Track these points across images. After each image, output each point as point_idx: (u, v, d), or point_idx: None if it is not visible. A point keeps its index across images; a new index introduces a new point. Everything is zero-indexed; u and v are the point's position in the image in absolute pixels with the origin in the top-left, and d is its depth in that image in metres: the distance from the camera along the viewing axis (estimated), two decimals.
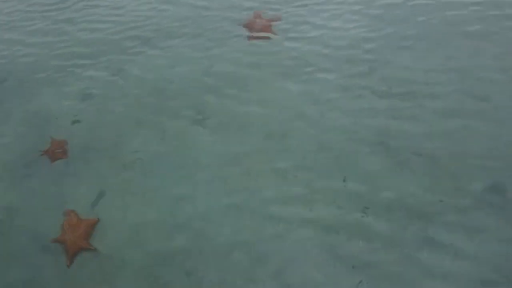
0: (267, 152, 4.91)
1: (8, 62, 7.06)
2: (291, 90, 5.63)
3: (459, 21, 6.26)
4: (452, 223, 3.96)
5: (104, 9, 7.93)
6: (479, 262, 3.66)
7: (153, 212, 4.51)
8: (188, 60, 6.44)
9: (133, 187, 4.78)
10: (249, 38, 6.60)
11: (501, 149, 4.52)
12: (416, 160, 4.53)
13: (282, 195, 4.44)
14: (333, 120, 5.13)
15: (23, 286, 4.07)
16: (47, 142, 5.44)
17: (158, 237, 4.28)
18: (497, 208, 4.01)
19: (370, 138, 4.85)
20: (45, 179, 5.03)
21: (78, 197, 4.76)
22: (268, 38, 6.52)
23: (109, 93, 6.16)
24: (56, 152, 5.29)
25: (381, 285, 3.64)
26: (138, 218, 4.47)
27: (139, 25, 7.31)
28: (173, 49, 6.76)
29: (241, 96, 5.65)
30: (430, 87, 5.33)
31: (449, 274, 3.62)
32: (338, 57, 6.02)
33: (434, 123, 4.88)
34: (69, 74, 6.58)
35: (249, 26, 6.74)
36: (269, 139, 5.03)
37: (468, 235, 3.86)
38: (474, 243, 3.79)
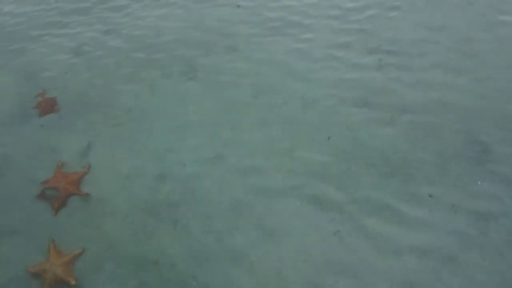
0: (255, 107, 4.99)
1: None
2: (280, 47, 5.67)
3: None
4: (431, 177, 4.08)
5: None
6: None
7: (142, 162, 4.62)
8: (178, 16, 6.43)
9: (123, 139, 4.89)
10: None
11: (483, 104, 4.61)
12: (400, 117, 4.62)
13: (267, 148, 4.55)
14: (320, 77, 5.20)
15: (14, 230, 4.18)
16: (38, 94, 5.51)
17: (146, 187, 4.39)
18: (476, 160, 4.13)
19: (355, 95, 4.93)
20: (36, 129, 5.12)
21: (68, 147, 4.87)
22: None
23: (100, 48, 6.20)
24: (46, 107, 5.36)
25: (358, 233, 3.78)
26: (127, 168, 4.58)
27: None
28: (164, 4, 6.73)
29: (231, 52, 5.68)
30: (418, 46, 5.37)
31: (428, 223, 3.75)
32: (327, 16, 6.03)
33: (420, 79, 4.96)
34: (61, 30, 6.58)
35: None
36: (257, 95, 5.11)
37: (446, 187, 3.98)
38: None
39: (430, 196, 3.91)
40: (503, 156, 4.13)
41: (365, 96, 4.92)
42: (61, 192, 4.37)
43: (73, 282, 3.70)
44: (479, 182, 3.94)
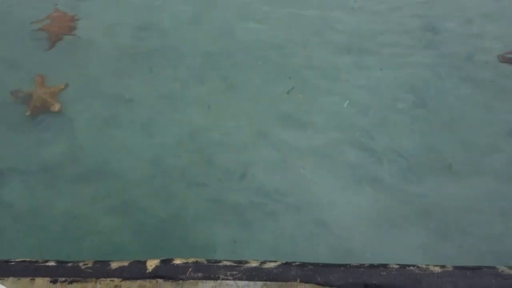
0: None
1: None
2: None
3: None
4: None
5: None
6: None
7: (127, 15, 4.96)
8: None
9: None
10: None
11: None
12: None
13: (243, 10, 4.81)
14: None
15: (7, 65, 4.66)
16: None
17: (129, 34, 4.77)
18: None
19: None
20: None
21: None
22: None
23: None
24: None
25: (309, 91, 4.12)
26: (114, 19, 4.93)
27: None
28: None
29: None
30: None
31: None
32: None
33: None
34: None
35: None
36: None
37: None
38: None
39: None
40: None
41: None
42: (51, 33, 4.80)
43: (57, 108, 4.22)
44: None
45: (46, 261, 2.29)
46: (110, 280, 2.17)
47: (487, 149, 3.59)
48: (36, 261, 2.29)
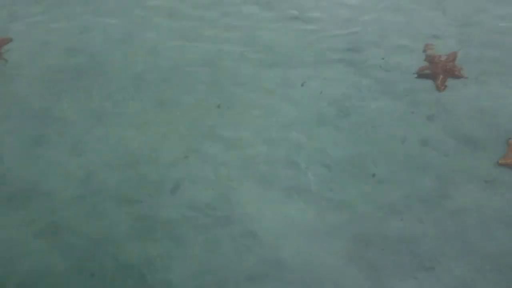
0: None
1: None
2: None
3: None
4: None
5: None
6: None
7: (57, 36, 4.94)
8: None
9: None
10: None
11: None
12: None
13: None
14: None
15: None
16: None
17: (59, 56, 4.75)
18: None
19: None
20: None
21: None
22: None
23: None
24: None
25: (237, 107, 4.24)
26: (44, 41, 4.91)
27: None
28: None
29: None
30: None
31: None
32: None
33: None
34: None
35: None
36: None
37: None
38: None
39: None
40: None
41: None
42: None
43: None
44: None
45: None
46: None
47: (403, 158, 3.83)
48: None
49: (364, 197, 3.61)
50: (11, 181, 3.76)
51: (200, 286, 3.14)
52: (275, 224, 3.48)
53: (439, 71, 4.26)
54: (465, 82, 4.29)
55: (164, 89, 4.42)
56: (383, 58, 4.57)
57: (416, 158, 3.82)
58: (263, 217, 3.51)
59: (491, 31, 4.83)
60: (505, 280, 3.09)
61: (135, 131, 4.08)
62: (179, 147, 3.95)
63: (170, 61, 4.67)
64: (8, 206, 3.60)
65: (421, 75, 4.34)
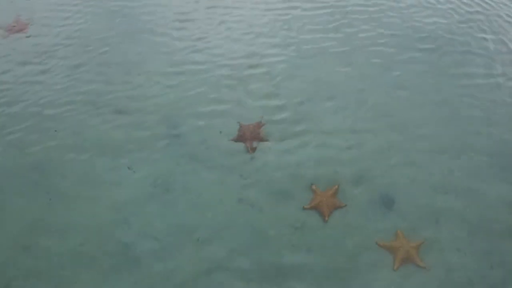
0: None
1: None
2: None
3: None
4: None
5: None
6: None
7: None
8: None
9: None
10: None
11: None
12: None
13: None
14: None
15: None
16: None
17: None
18: None
19: None
20: None
21: None
22: None
23: None
24: None
25: None
26: None
27: None
28: None
29: None
30: None
31: None
32: None
33: None
34: None
35: None
36: None
37: None
38: None
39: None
40: None
41: None
42: None
43: None
44: None
45: None
46: None
47: (223, 218, 4.27)
48: None
49: (190, 259, 3.94)
50: None
51: None
52: None
53: (248, 137, 4.88)
54: (270, 145, 4.94)
55: None
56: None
57: (234, 216, 4.28)
58: None
59: None
60: None
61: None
62: (12, 245, 4.09)
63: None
64: None
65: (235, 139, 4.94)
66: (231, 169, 4.69)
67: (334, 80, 5.77)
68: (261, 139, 4.93)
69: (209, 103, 5.47)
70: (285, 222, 4.24)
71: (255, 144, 4.88)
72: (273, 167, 4.73)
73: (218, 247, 4.05)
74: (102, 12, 7.17)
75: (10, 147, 4.96)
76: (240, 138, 4.94)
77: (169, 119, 5.24)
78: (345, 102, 5.44)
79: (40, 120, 5.27)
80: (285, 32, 6.63)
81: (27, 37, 6.66)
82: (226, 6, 7.21)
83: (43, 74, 5.92)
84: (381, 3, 7.22)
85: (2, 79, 5.87)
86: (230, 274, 3.85)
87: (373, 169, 4.66)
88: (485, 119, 5.19)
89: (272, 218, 4.27)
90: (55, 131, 5.12)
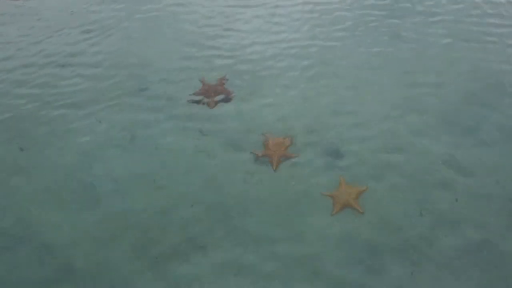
0: None
1: None
2: None
3: None
4: None
5: None
6: None
7: None
8: None
9: None
10: None
11: None
12: None
13: None
14: None
15: None
16: None
17: None
18: None
19: None
20: None
21: None
22: None
23: None
24: None
25: None
26: None
27: None
28: None
29: None
30: None
31: None
32: None
33: None
34: None
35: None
36: None
37: None
38: None
39: None
40: None
41: None
42: None
43: None
44: None
45: None
46: None
47: (179, 165, 4.62)
48: None
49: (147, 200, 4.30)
50: None
51: None
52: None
53: (211, 93, 5.19)
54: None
55: None
56: None
57: (191, 163, 4.63)
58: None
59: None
60: None
61: None
62: None
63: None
64: None
65: (193, 100, 5.24)
66: (191, 121, 5.03)
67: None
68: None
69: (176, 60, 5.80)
70: (236, 170, 4.57)
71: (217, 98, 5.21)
72: (231, 119, 5.07)
73: (173, 190, 4.40)
74: None
75: None
76: (202, 93, 5.24)
77: (138, 75, 5.56)
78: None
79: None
80: None
81: None
82: None
83: None
84: None
85: None
86: (183, 213, 4.20)
87: (325, 123, 4.99)
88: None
89: (225, 166, 4.61)
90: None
